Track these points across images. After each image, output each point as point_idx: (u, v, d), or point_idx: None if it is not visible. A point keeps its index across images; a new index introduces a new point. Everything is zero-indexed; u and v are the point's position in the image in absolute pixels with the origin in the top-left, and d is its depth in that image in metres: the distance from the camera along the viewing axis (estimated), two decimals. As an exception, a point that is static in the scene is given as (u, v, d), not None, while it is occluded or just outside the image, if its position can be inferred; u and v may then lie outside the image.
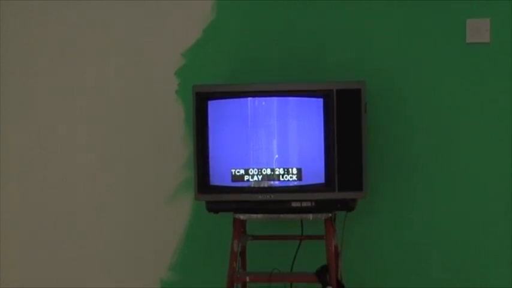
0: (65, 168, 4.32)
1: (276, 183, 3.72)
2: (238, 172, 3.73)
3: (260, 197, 3.71)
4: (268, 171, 3.72)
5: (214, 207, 3.77)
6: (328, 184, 3.67)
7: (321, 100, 3.67)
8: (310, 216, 3.71)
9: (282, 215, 3.75)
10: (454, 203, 4.03)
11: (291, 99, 3.73)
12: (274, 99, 3.73)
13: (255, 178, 3.72)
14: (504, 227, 4.00)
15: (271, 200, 3.71)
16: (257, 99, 3.72)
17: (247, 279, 3.77)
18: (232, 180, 3.73)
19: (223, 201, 3.75)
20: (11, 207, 4.39)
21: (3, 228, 4.41)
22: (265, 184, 3.72)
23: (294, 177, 3.72)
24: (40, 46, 4.34)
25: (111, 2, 4.21)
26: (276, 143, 3.73)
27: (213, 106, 3.72)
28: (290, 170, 3.71)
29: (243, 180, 3.73)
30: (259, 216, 3.76)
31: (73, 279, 4.33)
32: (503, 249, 4.01)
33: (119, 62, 4.23)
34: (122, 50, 4.22)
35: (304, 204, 3.69)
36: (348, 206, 3.70)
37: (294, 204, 3.70)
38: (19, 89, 4.37)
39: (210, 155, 3.73)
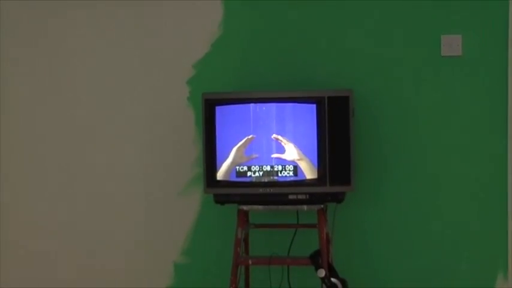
0: (94, 164, 4.32)
1: (275, 178, 3.78)
2: (242, 169, 3.78)
3: (261, 190, 3.78)
4: (268, 168, 3.78)
5: (221, 200, 3.84)
6: (320, 179, 3.74)
7: (314, 106, 3.74)
8: (305, 207, 3.80)
9: (280, 206, 3.83)
10: (429, 195, 4.08)
11: (288, 105, 3.79)
12: (273, 105, 3.78)
13: (257, 174, 3.78)
14: (473, 214, 4.07)
15: (270, 193, 3.78)
16: (258, 105, 3.78)
17: (250, 262, 3.88)
18: (237, 176, 3.79)
19: (229, 194, 3.82)
20: (42, 198, 4.38)
21: (27, 214, 4.39)
22: (266, 179, 3.78)
23: (291, 173, 3.77)
24: (60, 55, 4.32)
25: (133, 22, 4.24)
26: (275, 143, 3.77)
27: (220, 111, 3.79)
28: (287, 166, 3.77)
29: (246, 175, 3.79)
30: (260, 207, 3.84)
31: (95, 261, 4.34)
32: (475, 235, 4.07)
33: (138, 73, 4.25)
34: (141, 62, 4.24)
35: (300, 196, 3.77)
36: (337, 198, 3.78)
37: (290, 197, 3.78)
38: (43, 93, 4.35)
39: (217, 154, 3.79)
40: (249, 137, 3.76)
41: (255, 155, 3.77)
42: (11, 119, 4.38)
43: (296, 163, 3.77)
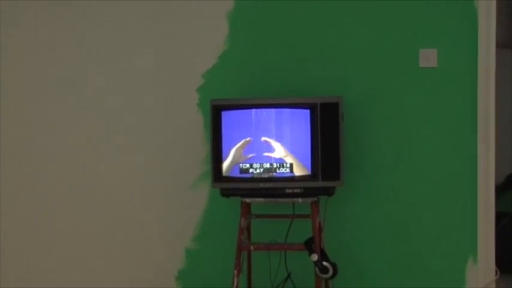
0: (114, 162, 4.36)
1: (274, 174, 3.83)
2: (244, 166, 3.85)
3: (261, 185, 3.84)
4: (268, 166, 3.84)
5: (226, 193, 3.91)
6: (313, 175, 3.81)
7: (308, 111, 3.80)
8: (300, 199, 3.85)
9: (278, 199, 3.87)
10: (408, 189, 4.12)
11: (285, 110, 3.84)
12: (272, 110, 3.84)
13: (258, 171, 3.85)
14: (447, 205, 4.10)
15: (270, 187, 3.84)
16: (259, 110, 3.83)
17: (252, 248, 3.93)
18: (240, 172, 3.85)
19: (233, 188, 3.88)
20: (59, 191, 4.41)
21: (45, 211, 4.42)
22: (266, 175, 3.84)
23: (288, 170, 3.83)
24: (84, 67, 4.34)
25: (149, 37, 4.27)
26: (265, 146, 3.84)
27: (225, 115, 3.85)
28: (284, 164, 3.84)
29: (248, 172, 3.85)
30: (261, 199, 3.89)
31: (114, 246, 4.37)
32: (448, 223, 4.11)
33: (153, 82, 4.28)
34: (156, 73, 4.28)
35: (295, 190, 3.84)
36: (328, 192, 3.85)
37: (287, 191, 3.84)
38: (73, 99, 4.36)
39: (223, 153, 3.85)
40: (247, 139, 3.82)
41: (251, 155, 3.83)
42: (26, 121, 4.41)
43: (284, 160, 3.81)
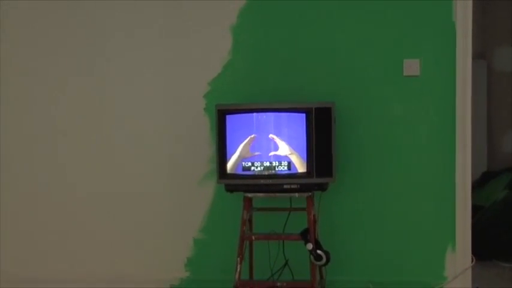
0: (129, 162, 4.42)
1: (273, 172, 3.92)
2: (247, 164, 3.94)
3: (262, 181, 3.93)
4: (268, 164, 3.93)
5: (230, 189, 3.99)
6: (308, 172, 3.89)
7: (304, 115, 3.88)
8: (296, 194, 3.94)
9: (277, 194, 3.96)
10: (393, 184, 4.21)
11: (283, 114, 3.92)
12: (272, 114, 3.92)
13: (259, 168, 3.93)
14: (428, 198, 4.18)
15: (269, 183, 3.93)
16: (260, 114, 3.92)
17: (253, 238, 4.05)
18: (243, 170, 3.94)
19: (237, 184, 3.96)
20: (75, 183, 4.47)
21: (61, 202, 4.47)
22: (266, 172, 3.93)
23: (285, 168, 3.92)
24: (103, 72, 4.39)
25: (161, 48, 4.34)
26: (273, 144, 3.92)
27: (229, 119, 3.93)
28: (282, 163, 3.92)
29: (250, 170, 3.94)
30: (261, 194, 3.98)
31: (127, 238, 4.44)
32: (429, 214, 4.19)
33: (165, 89, 4.36)
34: (167, 80, 4.35)
35: (292, 186, 3.91)
36: (322, 187, 3.95)
37: (285, 186, 3.92)
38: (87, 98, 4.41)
39: (227, 153, 3.94)
40: (252, 136, 3.88)
41: (257, 153, 3.90)
42: (39, 116, 4.43)
43: (289, 157, 3.87)
